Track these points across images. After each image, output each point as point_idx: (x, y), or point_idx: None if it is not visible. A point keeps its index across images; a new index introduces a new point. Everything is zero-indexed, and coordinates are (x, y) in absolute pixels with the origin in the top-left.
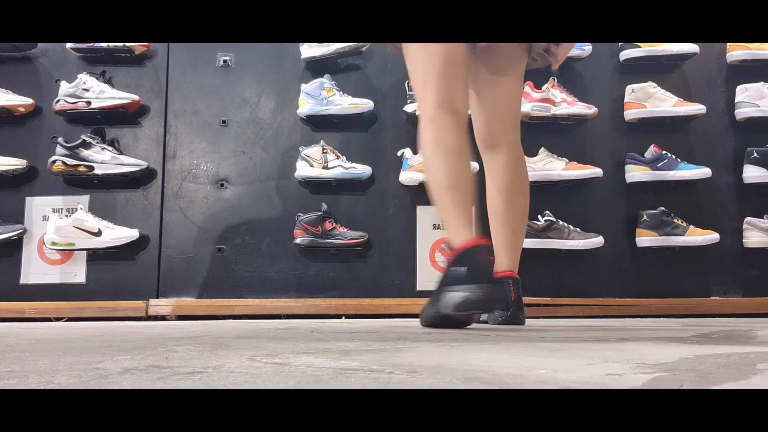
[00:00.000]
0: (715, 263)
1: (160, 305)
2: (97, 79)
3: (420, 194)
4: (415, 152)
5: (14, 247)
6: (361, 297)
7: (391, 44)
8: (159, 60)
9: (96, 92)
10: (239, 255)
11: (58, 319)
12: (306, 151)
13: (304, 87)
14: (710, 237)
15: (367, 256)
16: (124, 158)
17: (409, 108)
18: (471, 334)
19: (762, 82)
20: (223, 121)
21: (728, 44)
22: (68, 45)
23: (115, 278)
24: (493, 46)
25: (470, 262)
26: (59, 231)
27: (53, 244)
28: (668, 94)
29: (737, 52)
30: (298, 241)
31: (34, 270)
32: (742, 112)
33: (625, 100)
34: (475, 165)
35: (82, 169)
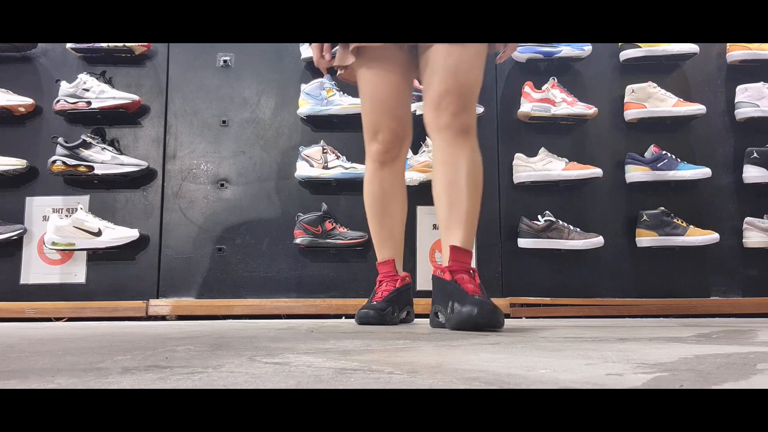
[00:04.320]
0: (715, 263)
1: (160, 305)
2: (97, 79)
3: (420, 194)
4: (415, 152)
5: (14, 247)
6: (361, 297)
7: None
8: (159, 60)
9: (96, 92)
10: (239, 255)
11: (58, 319)
12: (306, 151)
13: (304, 87)
14: (710, 237)
15: (367, 256)
16: (124, 158)
17: None
18: (471, 334)
19: (762, 82)
20: (223, 121)
21: (728, 44)
22: (68, 45)
23: (115, 278)
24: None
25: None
26: (59, 231)
27: (53, 244)
28: (668, 94)
29: (737, 52)
30: (298, 241)
31: (34, 270)
32: (742, 112)
33: (625, 100)
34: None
35: (82, 169)
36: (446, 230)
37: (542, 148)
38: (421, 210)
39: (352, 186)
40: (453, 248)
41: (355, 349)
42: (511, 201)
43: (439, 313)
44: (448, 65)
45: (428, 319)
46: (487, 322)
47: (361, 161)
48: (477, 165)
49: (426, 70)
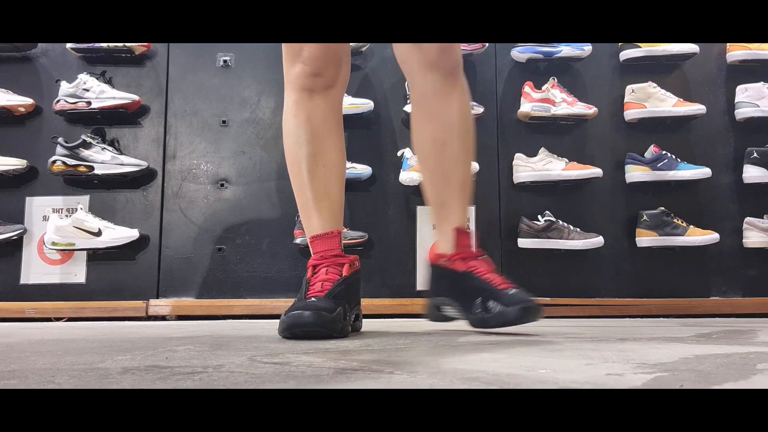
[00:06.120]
0: (715, 263)
1: (160, 305)
2: (97, 79)
3: (420, 194)
4: (415, 152)
5: (14, 247)
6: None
7: None
8: (159, 60)
9: (96, 92)
10: (239, 255)
11: (58, 319)
12: None
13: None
14: (710, 237)
15: (367, 256)
16: (124, 158)
17: (409, 108)
18: (471, 333)
19: (762, 82)
20: (223, 121)
21: (728, 44)
22: (68, 45)
23: (115, 278)
24: None
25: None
26: (59, 231)
27: (53, 244)
28: (668, 94)
29: (737, 52)
30: (298, 241)
31: (34, 270)
32: (742, 112)
33: (625, 100)
34: (475, 165)
35: (82, 169)
36: (442, 207)
37: (542, 148)
38: (421, 210)
39: (352, 186)
40: (457, 231)
41: (355, 349)
42: (511, 201)
43: (445, 307)
44: None
45: (425, 319)
46: (532, 320)
47: (361, 160)
48: (470, 116)
49: None
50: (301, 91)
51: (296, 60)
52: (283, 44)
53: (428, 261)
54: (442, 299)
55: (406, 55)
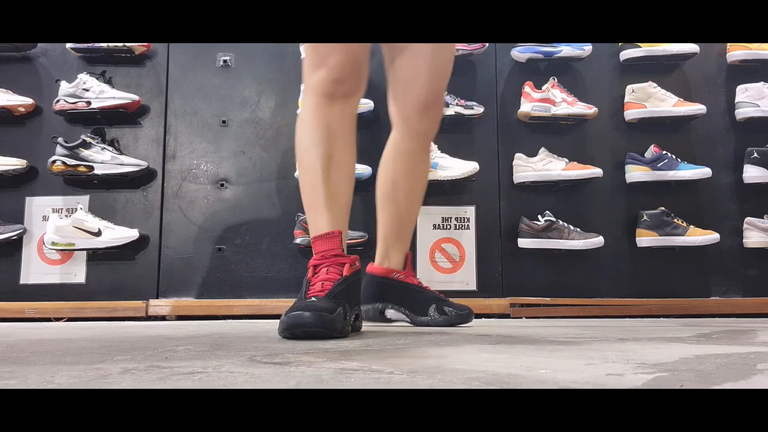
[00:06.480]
0: (715, 263)
1: (160, 305)
2: (97, 79)
3: None
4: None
5: (14, 247)
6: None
7: None
8: (159, 60)
9: (96, 92)
10: (239, 255)
11: (58, 319)
12: None
13: (304, 87)
14: (710, 237)
15: (367, 256)
16: (124, 158)
17: None
18: (471, 334)
19: (762, 82)
20: (223, 121)
21: (728, 44)
22: (68, 45)
23: (115, 278)
24: None
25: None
26: (59, 231)
27: (53, 244)
28: (668, 94)
29: (737, 52)
30: (298, 241)
31: (34, 270)
32: (742, 112)
33: (625, 100)
34: (475, 165)
35: (82, 169)
36: (398, 236)
37: (542, 148)
38: (421, 210)
39: None
40: (408, 254)
41: (355, 349)
42: (511, 201)
43: (392, 310)
44: (438, 66)
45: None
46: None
47: (361, 160)
48: (425, 159)
49: (406, 64)
50: (322, 96)
51: (321, 66)
52: (307, 49)
53: (376, 275)
54: (386, 304)
55: (410, 120)
